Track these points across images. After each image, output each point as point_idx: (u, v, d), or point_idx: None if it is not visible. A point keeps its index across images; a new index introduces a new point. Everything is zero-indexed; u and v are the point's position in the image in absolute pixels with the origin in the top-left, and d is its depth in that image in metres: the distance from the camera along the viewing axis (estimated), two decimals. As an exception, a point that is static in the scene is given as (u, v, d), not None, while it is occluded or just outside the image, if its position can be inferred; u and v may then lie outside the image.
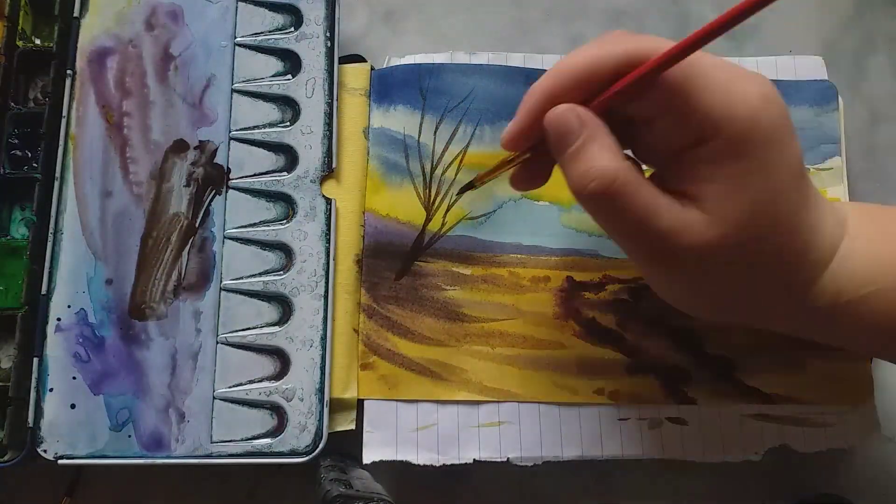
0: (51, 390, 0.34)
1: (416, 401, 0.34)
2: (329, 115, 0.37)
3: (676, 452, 0.34)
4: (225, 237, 0.36)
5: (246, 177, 0.36)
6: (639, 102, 0.26)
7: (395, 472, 0.35)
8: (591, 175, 0.25)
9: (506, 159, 0.29)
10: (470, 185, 0.32)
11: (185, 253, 0.35)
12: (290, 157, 0.37)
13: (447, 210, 0.36)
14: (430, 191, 0.37)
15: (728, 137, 0.25)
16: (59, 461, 0.33)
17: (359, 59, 0.39)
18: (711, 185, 0.25)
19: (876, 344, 0.30)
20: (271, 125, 0.37)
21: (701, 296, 0.29)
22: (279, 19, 0.38)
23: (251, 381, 0.34)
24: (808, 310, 0.28)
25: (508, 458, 0.34)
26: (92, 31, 0.38)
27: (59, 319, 0.34)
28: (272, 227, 0.36)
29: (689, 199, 0.26)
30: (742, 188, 0.25)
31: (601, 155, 0.25)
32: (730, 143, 0.25)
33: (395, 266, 0.36)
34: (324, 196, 0.36)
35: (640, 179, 0.26)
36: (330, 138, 0.37)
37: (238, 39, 0.38)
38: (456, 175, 0.36)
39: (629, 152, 0.28)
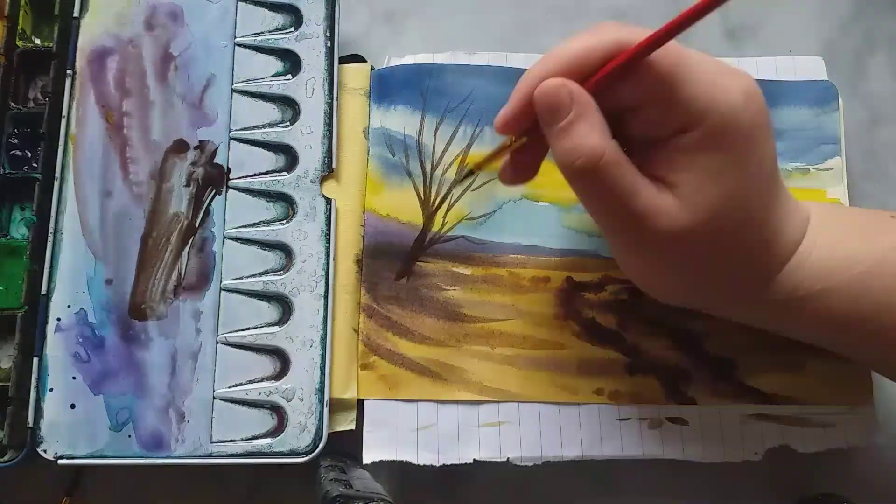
0: (51, 390, 0.34)
1: (416, 401, 0.34)
2: (329, 115, 0.37)
3: (676, 452, 0.34)
4: (225, 237, 0.36)
5: (246, 177, 0.36)
6: (628, 89, 0.27)
7: (395, 472, 0.35)
8: (579, 151, 0.26)
9: (503, 144, 0.29)
10: (470, 172, 0.32)
11: (185, 253, 0.35)
12: (290, 157, 0.37)
13: (447, 210, 0.36)
14: (430, 191, 0.37)
15: (709, 128, 0.26)
16: (59, 461, 0.33)
17: (359, 59, 0.39)
18: (688, 173, 0.26)
19: (826, 338, 0.32)
20: (271, 125, 0.37)
21: (665, 278, 0.30)
22: (279, 19, 0.38)
23: (251, 381, 0.34)
24: (766, 302, 0.30)
25: (508, 458, 0.34)
26: (92, 31, 0.38)
27: (59, 319, 0.34)
28: (272, 227, 0.36)
29: (667, 186, 0.27)
30: (717, 180, 0.26)
31: (591, 132, 0.26)
32: (710, 135, 0.26)
33: (395, 266, 0.36)
34: (324, 196, 0.36)
35: (624, 160, 0.27)
36: (330, 138, 0.37)
37: (238, 39, 0.38)
38: (456, 175, 0.37)
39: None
